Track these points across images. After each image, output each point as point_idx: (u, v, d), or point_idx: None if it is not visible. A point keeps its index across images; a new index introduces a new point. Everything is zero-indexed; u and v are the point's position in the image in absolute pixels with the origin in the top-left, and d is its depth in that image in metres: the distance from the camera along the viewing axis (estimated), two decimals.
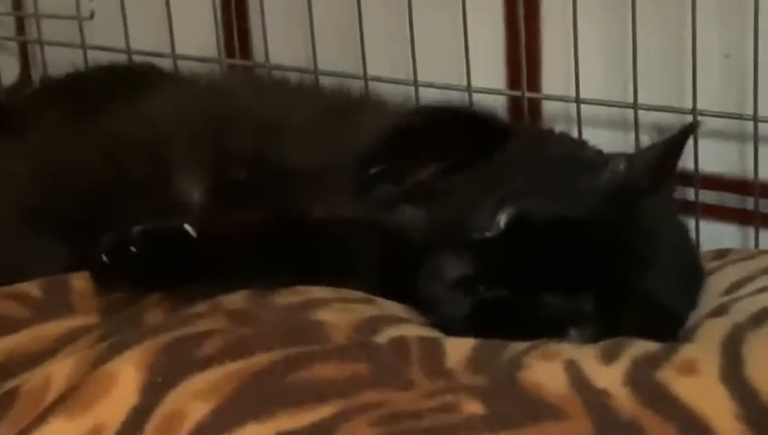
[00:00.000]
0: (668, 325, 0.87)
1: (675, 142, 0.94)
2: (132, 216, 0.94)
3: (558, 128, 1.12)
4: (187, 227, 0.88)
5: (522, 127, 1.16)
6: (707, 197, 1.17)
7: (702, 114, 1.10)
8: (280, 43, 1.30)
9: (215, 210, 1.00)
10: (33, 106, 1.27)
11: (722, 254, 1.05)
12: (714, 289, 0.94)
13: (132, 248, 0.86)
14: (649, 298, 0.87)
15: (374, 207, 0.96)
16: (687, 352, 0.77)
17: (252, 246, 0.91)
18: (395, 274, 0.92)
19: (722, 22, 1.14)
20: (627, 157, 0.93)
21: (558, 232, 0.86)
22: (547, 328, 0.85)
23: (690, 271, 0.95)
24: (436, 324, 0.88)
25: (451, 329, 0.86)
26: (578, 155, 1.00)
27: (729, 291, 0.93)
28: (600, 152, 1.03)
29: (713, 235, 1.15)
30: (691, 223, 1.10)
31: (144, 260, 0.87)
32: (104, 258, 0.86)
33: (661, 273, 0.89)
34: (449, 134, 0.99)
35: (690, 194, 1.13)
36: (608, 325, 0.85)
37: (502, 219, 0.88)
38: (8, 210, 1.04)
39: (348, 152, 0.99)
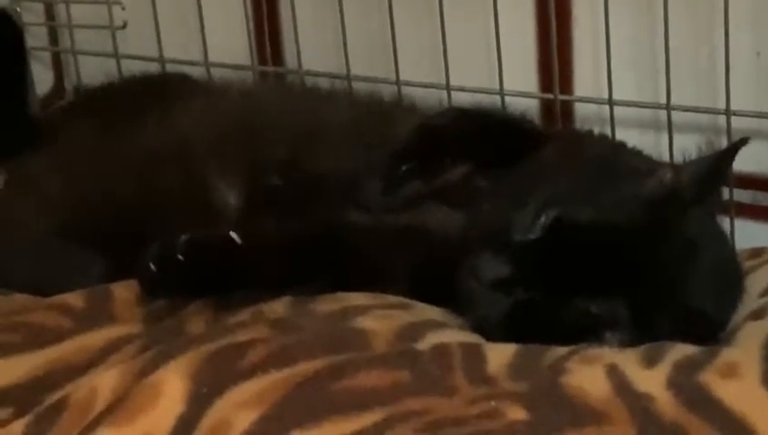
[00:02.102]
0: (707, 329, 0.87)
1: (724, 157, 0.92)
2: (168, 224, 0.95)
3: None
4: (233, 234, 0.89)
5: (558, 130, 1.16)
6: (741, 196, 1.16)
7: (735, 114, 1.09)
8: (312, 50, 1.31)
9: (252, 217, 1.01)
10: (68, 117, 1.28)
11: (757, 253, 1.05)
12: (751, 290, 0.94)
13: (180, 256, 0.87)
14: (686, 303, 0.87)
15: (401, 203, 0.96)
16: (728, 355, 0.78)
17: (292, 252, 0.92)
18: (430, 275, 0.92)
19: (753, 20, 1.13)
20: (674, 167, 0.93)
21: (598, 237, 0.87)
22: (583, 331, 0.85)
23: (729, 276, 0.95)
24: (473, 326, 0.88)
25: (488, 330, 0.87)
26: (620, 159, 1.00)
27: (767, 292, 0.93)
28: (639, 153, 1.03)
29: (747, 233, 1.15)
30: (725, 222, 1.10)
31: (190, 268, 0.87)
32: (152, 267, 0.87)
33: (699, 279, 0.89)
34: (479, 136, 0.99)
35: (725, 193, 1.13)
36: (643, 329, 0.85)
37: (543, 222, 0.88)
38: (45, 223, 1.06)
39: (382, 157, 0.99)
